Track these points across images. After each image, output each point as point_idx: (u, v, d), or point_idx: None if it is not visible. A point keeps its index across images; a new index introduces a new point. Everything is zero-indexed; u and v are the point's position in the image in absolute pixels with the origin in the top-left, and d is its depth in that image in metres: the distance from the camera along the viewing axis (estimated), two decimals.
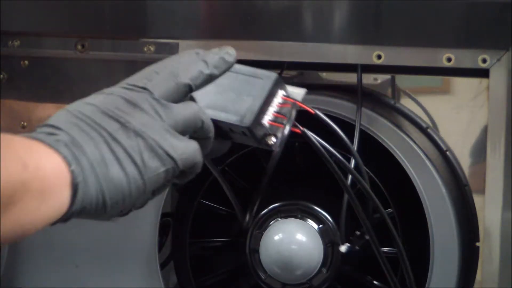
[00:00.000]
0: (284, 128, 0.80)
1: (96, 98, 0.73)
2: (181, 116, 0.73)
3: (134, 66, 1.16)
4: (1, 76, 1.19)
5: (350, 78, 1.17)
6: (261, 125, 0.79)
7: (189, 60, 0.77)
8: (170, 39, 1.15)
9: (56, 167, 0.66)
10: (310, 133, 0.83)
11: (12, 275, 1.24)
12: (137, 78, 0.75)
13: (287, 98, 0.82)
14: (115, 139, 0.69)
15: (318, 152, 0.84)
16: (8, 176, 0.61)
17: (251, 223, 0.85)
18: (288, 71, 1.17)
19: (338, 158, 0.86)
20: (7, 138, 0.65)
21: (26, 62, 1.19)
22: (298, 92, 0.83)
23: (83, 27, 1.17)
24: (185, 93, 0.75)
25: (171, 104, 0.73)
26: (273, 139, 0.80)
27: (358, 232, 1.17)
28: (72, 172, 0.66)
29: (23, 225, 0.64)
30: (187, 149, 0.73)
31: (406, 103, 1.17)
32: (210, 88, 0.80)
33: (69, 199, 0.66)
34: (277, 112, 0.81)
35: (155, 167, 0.71)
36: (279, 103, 0.81)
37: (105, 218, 0.71)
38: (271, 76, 0.81)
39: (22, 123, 1.20)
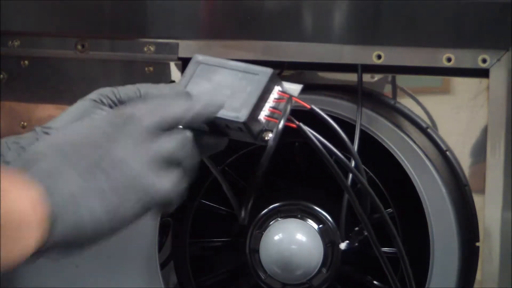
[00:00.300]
0: (278, 123, 0.80)
1: (81, 126, 0.72)
2: (166, 146, 0.72)
3: (134, 66, 1.16)
4: (1, 76, 1.19)
5: (349, 78, 1.16)
6: (258, 121, 0.79)
7: (180, 96, 0.78)
8: (170, 39, 1.15)
9: (32, 202, 0.64)
10: (306, 128, 0.82)
11: (12, 275, 1.24)
12: (128, 107, 0.74)
13: (283, 94, 0.81)
14: (94, 172, 0.68)
15: (314, 146, 0.84)
16: None
17: (246, 218, 0.85)
18: (288, 71, 1.17)
19: (335, 153, 0.86)
20: None
21: (26, 62, 1.19)
22: (294, 88, 0.83)
23: (83, 27, 1.17)
24: (175, 125, 0.74)
25: (158, 134, 0.72)
26: (270, 135, 0.80)
27: (356, 228, 1.17)
28: (50, 206, 0.65)
29: None
30: (164, 187, 0.72)
31: (406, 103, 1.17)
32: (205, 84, 0.80)
33: (46, 234, 0.65)
34: (273, 108, 0.81)
35: (133, 202, 0.70)
36: (275, 98, 0.81)
37: (77, 253, 0.70)
38: (266, 71, 0.81)
39: (22, 123, 1.20)
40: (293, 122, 0.82)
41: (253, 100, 0.79)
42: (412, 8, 1.08)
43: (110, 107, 0.78)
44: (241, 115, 0.78)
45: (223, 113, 0.79)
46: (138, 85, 0.79)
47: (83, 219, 0.67)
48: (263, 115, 0.80)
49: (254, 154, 1.29)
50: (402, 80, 1.17)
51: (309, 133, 0.83)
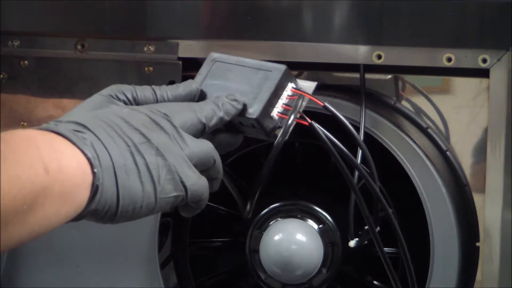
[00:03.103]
0: (288, 118, 0.80)
1: (121, 110, 0.73)
2: (197, 149, 0.74)
3: (134, 66, 1.16)
4: (1, 76, 1.19)
5: (349, 78, 1.16)
6: (270, 117, 0.80)
7: (203, 101, 0.79)
8: (170, 39, 1.15)
9: (79, 167, 0.65)
10: (317, 126, 0.82)
11: (12, 275, 1.24)
12: (157, 106, 0.76)
13: (297, 91, 0.82)
14: (139, 151, 0.69)
15: (325, 146, 0.83)
16: (30, 182, 0.60)
17: (251, 212, 0.84)
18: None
19: (346, 154, 0.85)
20: (28, 136, 0.64)
21: (26, 62, 1.19)
22: (308, 85, 0.84)
23: (83, 27, 1.17)
24: (201, 131, 0.76)
25: (189, 136, 0.74)
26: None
27: (366, 227, 1.16)
28: (94, 174, 0.66)
29: (39, 229, 0.64)
30: (198, 182, 0.74)
31: (407, 103, 1.17)
32: (218, 81, 0.81)
33: (87, 200, 0.66)
34: (286, 105, 0.81)
35: (169, 190, 0.71)
36: (289, 95, 0.81)
37: (109, 223, 0.71)
38: (280, 68, 0.81)
39: (22, 123, 1.20)
40: (305, 119, 0.82)
41: (265, 96, 0.79)
42: (412, 8, 1.08)
43: (124, 103, 0.78)
44: (254, 111, 0.78)
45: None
46: (154, 87, 0.80)
47: (121, 195, 0.68)
48: (275, 111, 0.80)
49: (254, 154, 1.29)
50: (402, 80, 1.17)
51: (321, 132, 0.83)
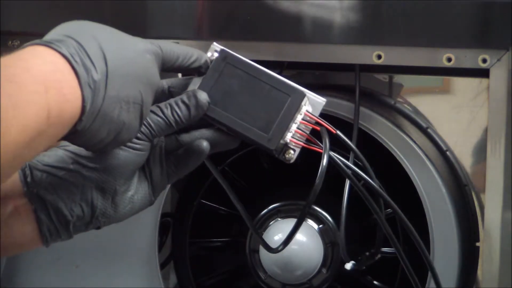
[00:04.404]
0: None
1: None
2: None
3: None
4: None
5: (349, 78, 1.16)
6: (283, 142, 0.80)
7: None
8: (170, 39, 1.15)
9: (73, 109, 0.68)
10: (334, 155, 0.83)
11: (12, 275, 1.24)
12: None
13: (311, 116, 0.81)
14: (128, 109, 0.73)
15: (345, 175, 0.84)
16: (33, 128, 0.63)
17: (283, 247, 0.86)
18: (288, 71, 1.17)
19: (365, 179, 0.86)
20: (41, 79, 0.65)
21: None
22: (318, 101, 0.82)
23: None
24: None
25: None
26: (291, 152, 0.80)
27: (367, 253, 1.15)
28: (83, 113, 0.68)
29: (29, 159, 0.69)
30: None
31: (407, 103, 1.17)
32: (227, 89, 0.80)
33: (70, 130, 0.69)
34: (299, 129, 0.80)
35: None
36: (302, 119, 0.81)
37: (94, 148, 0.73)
38: (300, 95, 0.80)
39: None
40: (319, 147, 0.81)
41: (283, 126, 0.79)
42: (412, 8, 1.08)
43: None
44: (272, 142, 0.79)
45: (252, 132, 0.79)
46: (160, 105, 0.81)
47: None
48: (289, 136, 0.80)
49: (254, 154, 1.29)
50: (402, 80, 1.17)
51: (339, 162, 0.83)
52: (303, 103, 0.80)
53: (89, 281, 1.23)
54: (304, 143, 0.81)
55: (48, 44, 0.70)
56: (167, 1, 1.13)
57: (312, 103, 0.82)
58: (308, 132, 0.81)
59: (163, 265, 1.29)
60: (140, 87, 0.73)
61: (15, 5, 1.16)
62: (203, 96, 0.79)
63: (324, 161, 0.79)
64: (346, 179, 1.05)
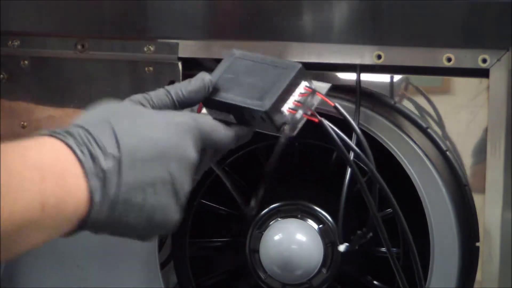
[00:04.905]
0: (296, 113, 0.81)
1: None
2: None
3: (134, 66, 1.16)
4: (1, 76, 1.19)
5: (349, 78, 1.16)
6: (281, 112, 0.81)
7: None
8: (170, 39, 1.15)
9: (77, 202, 0.65)
10: (327, 123, 0.83)
11: (12, 275, 1.24)
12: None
13: (309, 89, 0.83)
14: (155, 191, 0.70)
15: (334, 143, 0.84)
16: (22, 216, 0.60)
17: (256, 208, 0.85)
18: None
19: (355, 150, 0.86)
20: (38, 166, 0.63)
21: (26, 62, 1.19)
22: (322, 86, 0.85)
23: (83, 27, 1.17)
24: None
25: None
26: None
27: (359, 232, 1.17)
28: (90, 210, 0.66)
29: (24, 250, 0.64)
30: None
31: (407, 103, 1.17)
32: (234, 76, 0.82)
33: (75, 227, 0.66)
34: (298, 102, 0.82)
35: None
36: (301, 93, 0.82)
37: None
38: (295, 66, 0.83)
39: (22, 123, 1.20)
40: (315, 116, 0.82)
41: (277, 91, 0.80)
42: (412, 8, 1.08)
43: None
44: (264, 105, 0.80)
45: (247, 103, 0.80)
46: (167, 87, 0.80)
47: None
48: (286, 107, 0.81)
49: (253, 154, 1.29)
50: (402, 80, 1.17)
51: (330, 129, 0.83)
52: (304, 80, 0.82)
53: (89, 281, 1.23)
54: (302, 113, 0.82)
55: (53, 134, 0.66)
56: (167, 1, 1.13)
57: (317, 88, 0.84)
58: (304, 102, 0.82)
59: (163, 265, 1.29)
60: (168, 167, 0.70)
61: (15, 5, 1.16)
62: (208, 76, 0.81)
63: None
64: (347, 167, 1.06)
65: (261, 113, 0.80)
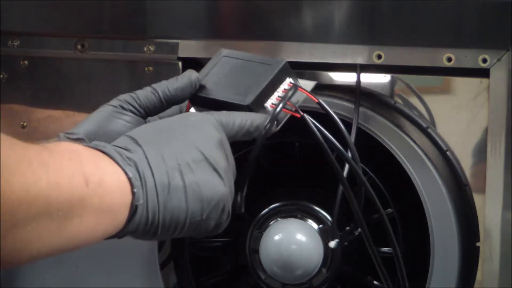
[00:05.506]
0: (276, 107, 0.81)
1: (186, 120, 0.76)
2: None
3: (134, 66, 1.16)
4: (1, 76, 1.19)
5: (349, 78, 1.16)
6: (263, 108, 0.81)
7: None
8: (170, 39, 1.15)
9: (119, 185, 0.66)
10: (309, 118, 0.83)
11: (12, 275, 1.24)
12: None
13: (292, 85, 0.83)
14: (191, 169, 0.71)
15: (315, 138, 0.84)
16: (68, 190, 0.61)
17: (243, 206, 0.85)
18: None
19: (336, 146, 0.86)
20: (73, 149, 0.64)
21: (26, 62, 1.19)
22: (307, 84, 0.85)
23: (83, 27, 1.17)
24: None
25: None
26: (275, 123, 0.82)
27: (348, 228, 1.18)
28: (134, 194, 0.66)
29: (77, 241, 0.64)
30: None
31: (407, 103, 1.17)
32: (222, 73, 0.83)
33: (126, 219, 0.67)
34: (281, 97, 0.82)
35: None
36: (285, 89, 0.82)
37: (150, 240, 0.72)
38: (278, 62, 0.83)
39: (22, 123, 1.20)
40: (298, 112, 0.82)
41: (260, 86, 0.81)
42: (412, 8, 1.08)
43: (132, 112, 0.79)
44: (246, 99, 0.80)
45: (231, 98, 0.81)
46: (154, 86, 0.81)
47: (162, 215, 0.69)
48: (269, 103, 0.82)
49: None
50: (402, 80, 1.17)
51: (312, 125, 0.83)
52: (289, 77, 0.83)
53: (89, 281, 1.23)
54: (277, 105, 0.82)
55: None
56: (167, 1, 1.13)
57: (302, 86, 0.84)
58: (285, 97, 0.82)
59: (163, 265, 1.29)
60: (197, 147, 0.73)
61: (15, 5, 1.16)
62: (194, 74, 0.82)
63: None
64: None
65: (244, 107, 0.80)
